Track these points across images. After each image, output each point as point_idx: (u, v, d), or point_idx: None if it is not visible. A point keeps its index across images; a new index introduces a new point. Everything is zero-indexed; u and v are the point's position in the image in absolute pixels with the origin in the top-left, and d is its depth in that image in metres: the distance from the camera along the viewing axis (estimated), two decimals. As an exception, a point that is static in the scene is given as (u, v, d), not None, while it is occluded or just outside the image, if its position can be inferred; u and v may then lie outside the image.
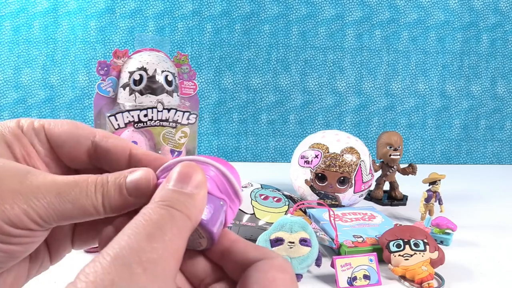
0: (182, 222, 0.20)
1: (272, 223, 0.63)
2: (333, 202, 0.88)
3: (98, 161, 0.26)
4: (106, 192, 0.23)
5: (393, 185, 1.01)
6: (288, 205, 0.73)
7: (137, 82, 0.90)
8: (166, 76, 0.91)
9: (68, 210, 0.22)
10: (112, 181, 0.23)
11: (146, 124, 0.90)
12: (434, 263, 0.62)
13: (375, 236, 0.70)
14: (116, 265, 0.17)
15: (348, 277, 0.62)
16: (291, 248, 0.59)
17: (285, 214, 0.69)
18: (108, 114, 0.88)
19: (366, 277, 0.62)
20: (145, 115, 0.90)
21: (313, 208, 0.82)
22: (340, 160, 0.86)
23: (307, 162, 0.89)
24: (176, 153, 0.95)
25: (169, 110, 0.91)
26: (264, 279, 0.20)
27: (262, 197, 0.73)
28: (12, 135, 0.24)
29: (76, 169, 0.26)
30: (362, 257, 0.63)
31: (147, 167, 0.24)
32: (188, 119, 0.94)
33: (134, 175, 0.23)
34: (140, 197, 0.23)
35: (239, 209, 0.69)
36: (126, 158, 0.25)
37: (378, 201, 1.00)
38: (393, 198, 1.00)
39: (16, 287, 0.24)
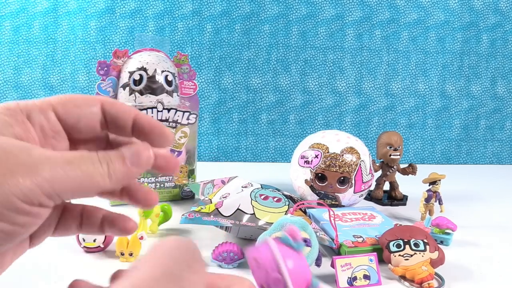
0: None
1: (272, 223, 0.63)
2: (333, 202, 0.88)
3: (107, 128, 0.27)
4: (111, 162, 0.24)
5: (393, 185, 1.01)
6: (288, 205, 0.73)
7: (137, 82, 0.90)
8: (166, 76, 0.91)
9: (79, 179, 0.22)
10: (114, 153, 0.24)
11: (146, 124, 0.90)
12: (434, 263, 0.62)
13: (375, 236, 0.70)
14: None
15: (348, 277, 0.62)
16: (291, 248, 0.59)
17: (285, 214, 0.69)
18: (108, 114, 0.88)
19: (366, 277, 0.62)
20: (145, 115, 0.90)
21: (313, 208, 0.82)
22: (340, 160, 0.86)
23: (307, 162, 0.89)
24: (176, 153, 0.95)
25: (169, 110, 0.91)
26: None
27: (262, 197, 0.73)
28: (11, 116, 0.24)
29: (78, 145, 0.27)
30: (362, 257, 0.63)
31: (150, 134, 0.26)
32: (188, 119, 0.94)
33: (132, 148, 0.25)
34: (141, 167, 0.24)
35: (239, 209, 0.69)
36: (131, 123, 0.26)
37: (378, 201, 1.00)
38: (393, 198, 1.00)
39: None
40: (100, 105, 0.26)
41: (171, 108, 0.91)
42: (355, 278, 0.62)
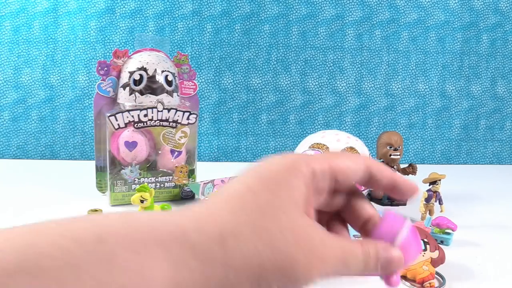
0: None
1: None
2: (333, 202, 0.88)
3: (363, 184, 0.31)
4: (378, 263, 0.27)
5: (393, 185, 1.01)
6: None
7: (137, 82, 0.90)
8: (166, 76, 0.91)
9: (343, 273, 0.26)
10: (382, 255, 0.27)
11: (146, 124, 0.90)
12: (435, 263, 0.62)
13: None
14: None
15: None
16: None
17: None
18: (108, 114, 0.88)
19: None
20: (145, 115, 0.90)
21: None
22: (340, 160, 0.86)
23: (307, 162, 0.89)
24: (176, 153, 0.96)
25: (169, 110, 0.91)
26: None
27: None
28: (305, 184, 0.26)
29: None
30: None
31: (405, 194, 0.31)
32: (188, 119, 0.94)
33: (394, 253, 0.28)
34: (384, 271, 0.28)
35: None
36: (388, 185, 0.31)
37: (378, 201, 0.99)
38: (393, 198, 1.00)
39: None
40: (366, 168, 0.29)
41: (171, 108, 0.91)
42: None
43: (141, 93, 0.90)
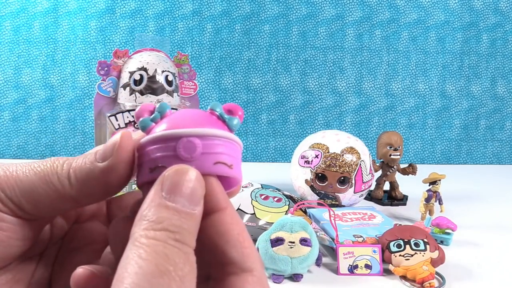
0: (192, 257, 0.18)
1: (273, 223, 0.63)
2: (333, 202, 0.88)
3: None
4: (73, 163, 0.21)
5: (393, 185, 1.01)
6: (289, 205, 0.73)
7: (137, 82, 0.90)
8: (167, 76, 0.91)
9: (34, 182, 0.20)
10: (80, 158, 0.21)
11: (147, 124, 0.90)
12: (435, 263, 0.62)
13: (375, 235, 0.70)
14: None
15: (349, 265, 0.62)
16: (291, 248, 0.59)
17: (285, 214, 0.69)
18: (109, 114, 0.88)
19: (367, 266, 0.63)
20: (146, 115, 0.90)
21: (313, 208, 0.82)
22: (340, 160, 0.86)
23: (307, 162, 0.89)
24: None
25: (169, 110, 0.91)
26: None
27: (263, 197, 0.73)
28: None
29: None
30: (366, 248, 0.64)
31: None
32: (188, 119, 0.94)
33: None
34: (110, 157, 0.21)
35: (240, 209, 0.69)
36: None
37: (378, 201, 1.00)
38: (393, 198, 1.00)
39: None
40: None
41: (172, 108, 0.91)
42: (356, 266, 0.62)
43: (142, 93, 0.90)
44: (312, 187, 0.89)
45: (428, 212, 0.85)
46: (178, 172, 0.19)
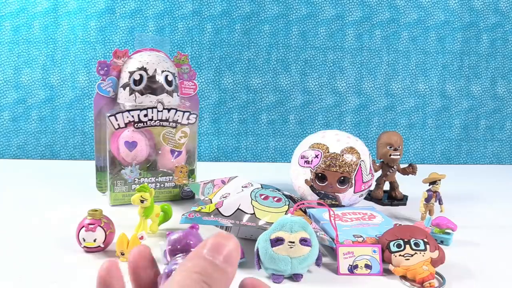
0: None
1: (272, 223, 0.63)
2: (333, 202, 0.88)
3: None
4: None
5: (393, 185, 1.01)
6: (288, 205, 0.73)
7: (137, 82, 0.90)
8: (166, 76, 0.91)
9: None
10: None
11: (146, 124, 0.90)
12: (435, 263, 0.62)
13: (375, 235, 0.70)
14: None
15: (349, 265, 0.62)
16: (291, 248, 0.59)
17: (285, 214, 0.69)
18: (108, 114, 0.88)
19: (367, 266, 0.63)
20: (145, 115, 0.90)
21: (313, 208, 0.82)
22: (340, 160, 0.86)
23: (307, 162, 0.89)
24: (176, 153, 0.96)
25: (169, 110, 0.91)
26: None
27: (262, 197, 0.73)
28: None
29: None
30: (366, 248, 0.64)
31: None
32: (188, 119, 0.94)
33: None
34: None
35: (239, 209, 0.69)
36: None
37: (378, 201, 1.00)
38: (393, 198, 1.00)
39: None
40: None
41: (171, 108, 0.91)
42: (356, 266, 0.62)
43: (141, 93, 0.90)
44: (312, 187, 0.88)
45: (428, 212, 0.85)
46: (221, 236, 0.21)
